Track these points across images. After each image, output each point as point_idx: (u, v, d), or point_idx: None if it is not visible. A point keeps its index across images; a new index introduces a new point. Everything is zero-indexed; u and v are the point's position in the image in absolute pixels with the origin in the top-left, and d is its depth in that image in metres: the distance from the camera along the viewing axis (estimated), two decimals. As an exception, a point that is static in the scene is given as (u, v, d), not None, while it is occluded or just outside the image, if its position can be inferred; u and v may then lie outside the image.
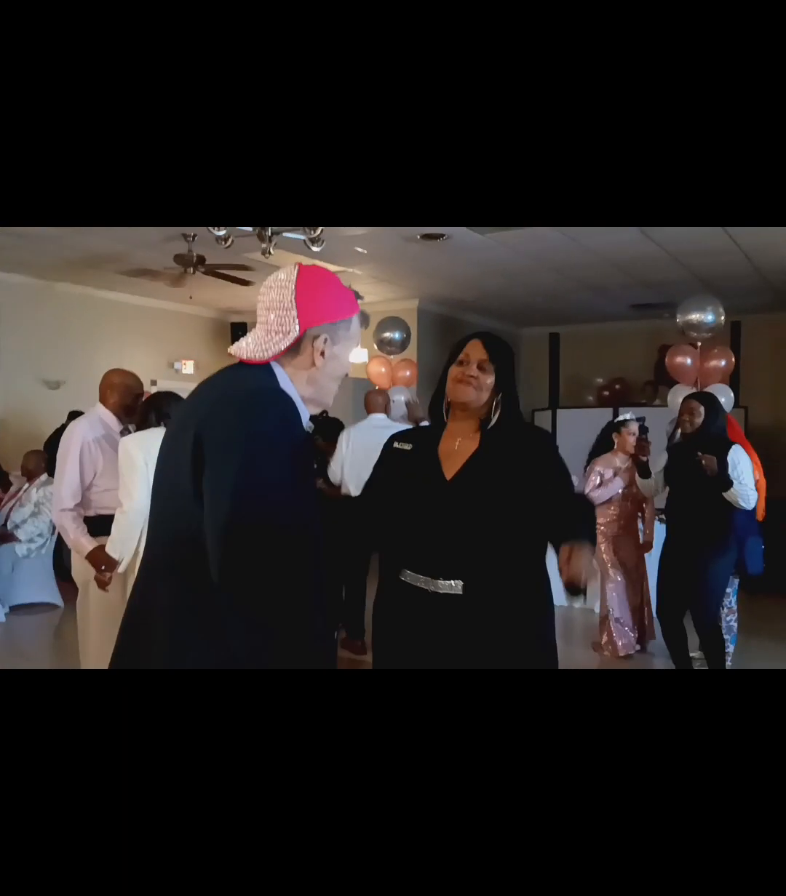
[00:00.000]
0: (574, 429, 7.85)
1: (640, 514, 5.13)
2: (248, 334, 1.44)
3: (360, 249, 6.59)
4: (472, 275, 7.42)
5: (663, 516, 5.08)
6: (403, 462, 1.94)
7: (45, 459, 6.03)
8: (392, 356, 7.20)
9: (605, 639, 5.07)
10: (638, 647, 5.07)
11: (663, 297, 7.69)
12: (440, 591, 1.79)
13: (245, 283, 6.54)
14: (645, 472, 4.24)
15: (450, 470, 1.86)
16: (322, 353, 1.41)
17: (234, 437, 1.25)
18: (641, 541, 5.14)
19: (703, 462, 3.68)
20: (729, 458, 3.79)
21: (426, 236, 6.03)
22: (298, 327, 1.38)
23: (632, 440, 4.80)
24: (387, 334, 7.07)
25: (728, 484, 3.73)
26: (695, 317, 5.17)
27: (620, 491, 4.98)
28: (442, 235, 6.01)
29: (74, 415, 6.34)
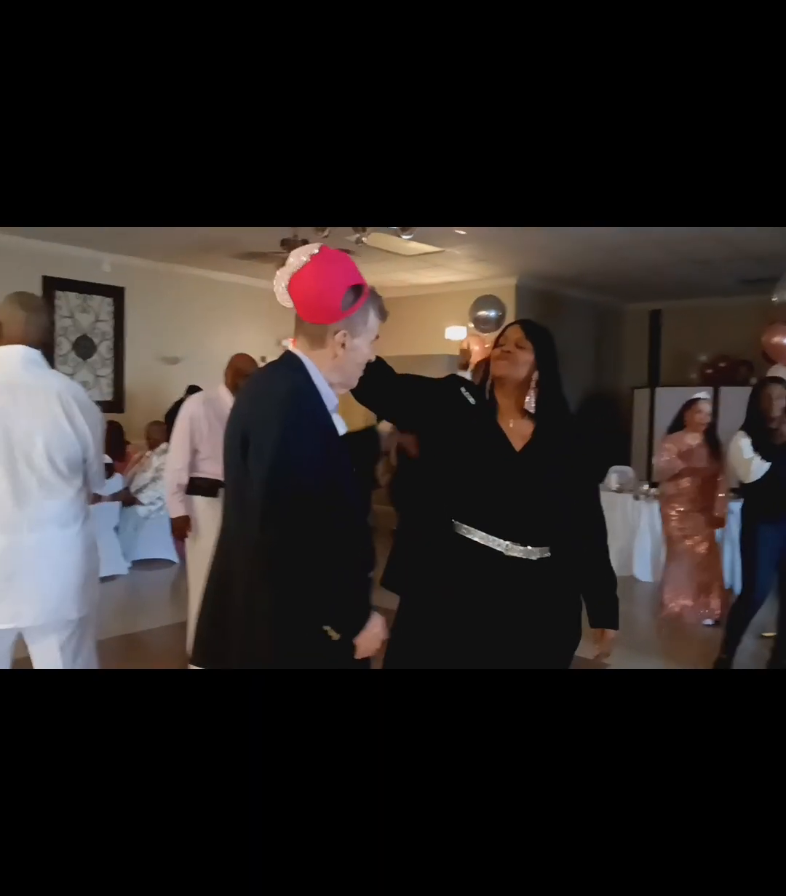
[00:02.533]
0: (674, 407, 7.70)
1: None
2: None
3: (458, 231, 6.75)
4: (571, 250, 7.40)
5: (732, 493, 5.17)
6: (465, 411, 1.97)
7: (165, 429, 6.59)
8: (488, 334, 7.33)
9: (662, 603, 5.29)
10: (708, 621, 5.20)
11: (774, 272, 7.41)
12: (518, 556, 1.89)
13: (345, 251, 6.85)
14: (768, 452, 4.02)
15: (516, 444, 1.95)
16: (343, 345, 1.64)
17: (270, 432, 1.53)
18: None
19: None
20: None
21: (521, 216, 6.12)
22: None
23: (699, 418, 4.97)
24: (482, 312, 7.21)
25: None
26: (795, 294, 5.03)
27: (681, 466, 5.08)
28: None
29: (192, 389, 6.89)
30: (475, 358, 7.25)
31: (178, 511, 3.62)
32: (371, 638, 1.59)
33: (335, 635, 1.53)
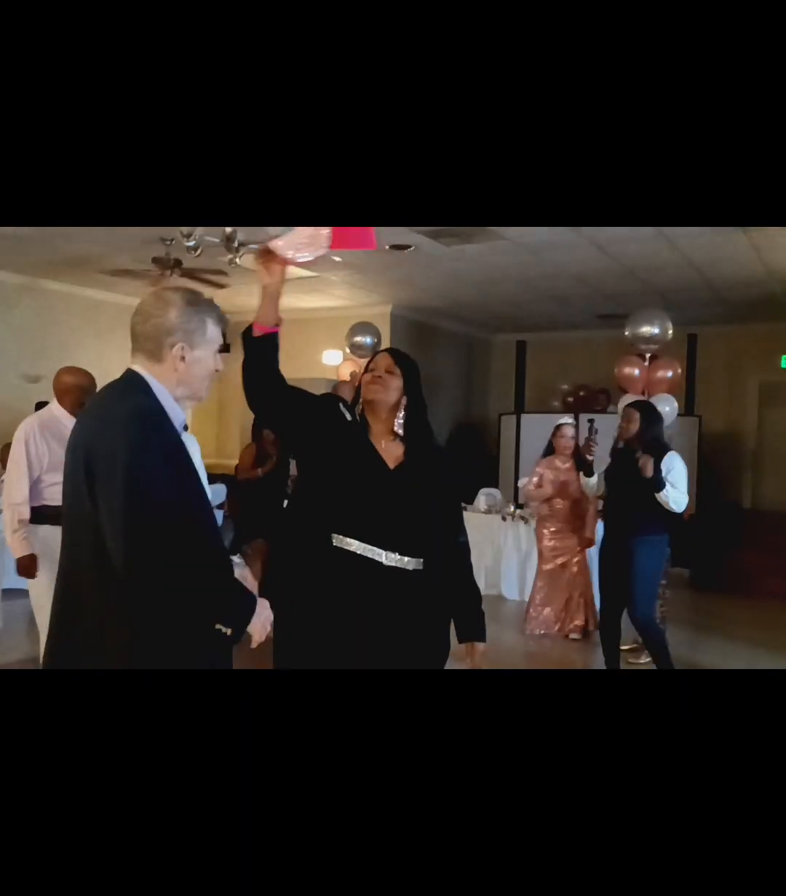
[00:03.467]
0: (537, 433, 8.14)
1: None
2: None
3: (335, 257, 6.87)
4: (441, 284, 7.73)
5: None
6: (343, 428, 2.06)
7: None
8: (363, 359, 7.48)
9: (528, 617, 5.63)
10: (575, 635, 5.54)
11: (626, 309, 8.03)
12: (395, 565, 1.99)
13: (220, 285, 6.81)
14: (588, 471, 4.52)
15: (389, 463, 2.06)
16: (182, 359, 1.62)
17: (118, 459, 1.48)
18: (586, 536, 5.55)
19: (640, 462, 3.97)
20: (663, 463, 4.07)
21: (394, 247, 6.33)
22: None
23: (563, 443, 5.38)
24: (358, 338, 7.35)
25: (661, 485, 4.02)
26: (643, 330, 5.48)
27: (549, 491, 5.49)
28: (409, 247, 6.31)
29: (41, 405, 6.57)
30: (353, 383, 7.39)
31: (22, 550, 3.23)
32: (263, 622, 1.61)
33: (227, 630, 1.53)
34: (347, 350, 7.59)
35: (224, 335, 1.75)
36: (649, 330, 5.46)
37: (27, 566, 3.26)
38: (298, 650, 1.99)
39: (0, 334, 7.63)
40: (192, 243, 5.50)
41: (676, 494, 4.06)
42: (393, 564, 2.02)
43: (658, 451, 4.10)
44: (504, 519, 6.92)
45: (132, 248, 6.46)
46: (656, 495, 4.02)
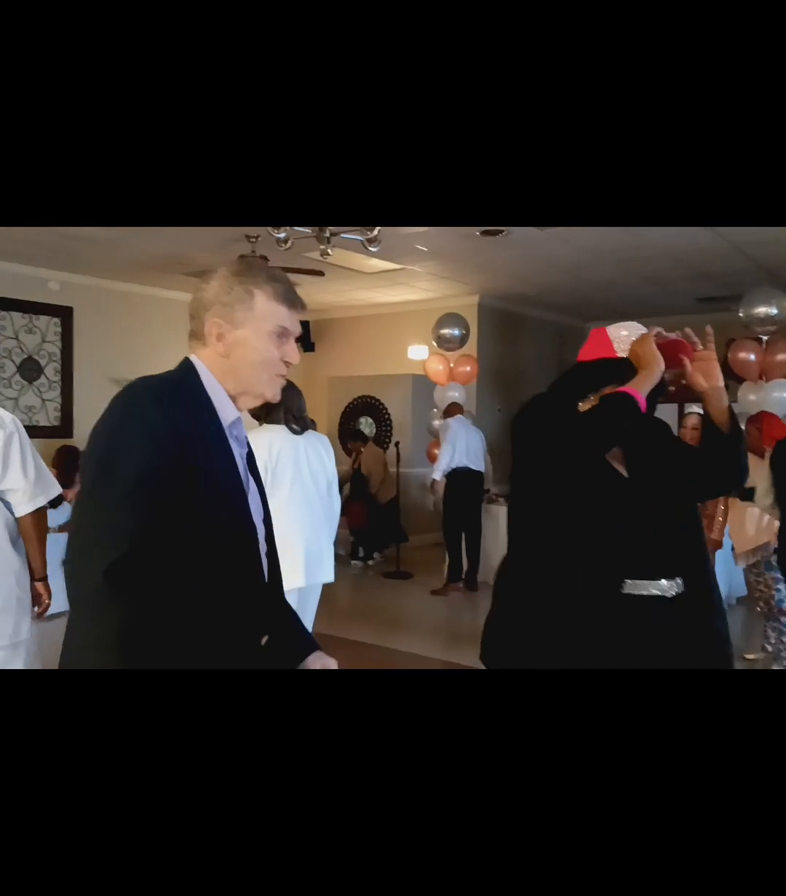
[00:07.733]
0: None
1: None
2: None
3: (420, 247, 6.64)
4: (532, 269, 7.37)
5: None
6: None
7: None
8: (451, 352, 7.22)
9: None
10: None
11: (729, 290, 7.47)
12: (666, 594, 1.69)
13: (318, 273, 6.58)
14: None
15: (617, 466, 1.77)
16: (218, 338, 1.35)
17: (97, 442, 1.25)
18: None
19: None
20: None
21: (486, 232, 6.04)
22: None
23: (683, 432, 4.75)
24: (446, 331, 7.10)
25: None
26: (759, 310, 5.02)
27: None
28: (502, 231, 6.00)
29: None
30: (439, 378, 7.14)
31: None
32: None
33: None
34: (434, 343, 7.35)
35: (305, 324, 1.48)
36: (765, 310, 5.00)
37: None
38: None
39: (88, 340, 7.77)
40: (281, 235, 5.32)
41: None
42: (672, 593, 1.70)
43: None
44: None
45: (216, 246, 6.41)
46: None
